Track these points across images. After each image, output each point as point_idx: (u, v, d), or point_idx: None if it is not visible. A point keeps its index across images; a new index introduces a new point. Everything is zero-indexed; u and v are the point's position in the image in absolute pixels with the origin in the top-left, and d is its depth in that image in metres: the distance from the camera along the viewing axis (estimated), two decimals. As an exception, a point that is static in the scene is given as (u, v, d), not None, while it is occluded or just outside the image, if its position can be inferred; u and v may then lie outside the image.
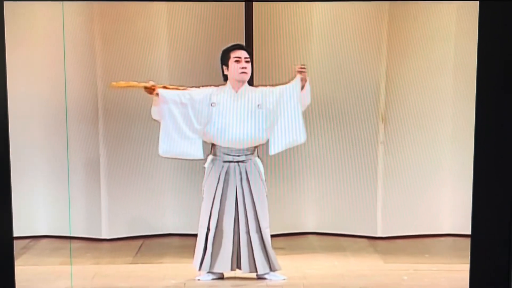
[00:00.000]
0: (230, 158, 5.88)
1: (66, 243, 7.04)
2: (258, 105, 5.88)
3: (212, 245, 5.89)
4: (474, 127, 4.04)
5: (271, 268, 5.93)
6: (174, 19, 7.26)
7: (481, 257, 4.07)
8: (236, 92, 5.89)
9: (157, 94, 5.91)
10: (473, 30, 4.23)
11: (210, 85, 6.00)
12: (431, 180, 7.40)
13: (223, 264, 5.88)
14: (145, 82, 6.04)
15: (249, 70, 5.91)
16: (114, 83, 6.24)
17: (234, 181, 5.87)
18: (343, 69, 7.34)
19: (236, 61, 5.88)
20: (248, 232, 5.88)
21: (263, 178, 5.97)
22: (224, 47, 5.99)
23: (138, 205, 7.40)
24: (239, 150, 5.89)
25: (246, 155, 5.90)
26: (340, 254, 6.85)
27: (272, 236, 6.84)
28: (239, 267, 5.92)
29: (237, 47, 5.96)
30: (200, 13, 7.20)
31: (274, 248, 6.24)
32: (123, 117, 7.29)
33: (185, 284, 5.85)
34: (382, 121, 7.31)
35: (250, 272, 5.91)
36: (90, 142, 7.31)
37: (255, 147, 5.97)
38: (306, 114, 7.40)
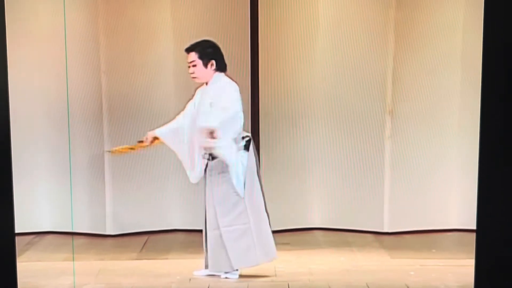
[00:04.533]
0: (206, 156, 5.80)
1: (70, 239, 7.04)
2: (210, 103, 5.72)
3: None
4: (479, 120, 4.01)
5: (230, 268, 5.78)
6: (179, 13, 7.24)
7: (486, 252, 4.03)
8: (206, 86, 5.82)
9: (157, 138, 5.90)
10: (481, 22, 4.18)
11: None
12: (438, 175, 7.36)
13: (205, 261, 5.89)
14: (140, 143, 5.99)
15: (197, 73, 5.74)
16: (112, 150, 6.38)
17: (204, 178, 5.81)
18: (350, 63, 7.31)
19: (188, 66, 5.80)
20: (206, 230, 5.81)
21: (230, 175, 5.70)
22: None
23: (143, 201, 7.39)
24: (204, 149, 5.77)
25: (210, 153, 5.75)
26: (346, 250, 6.82)
27: (277, 231, 6.82)
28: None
29: (186, 50, 5.78)
30: (205, 5, 7.17)
31: (279, 243, 6.21)
32: (128, 112, 7.27)
33: (190, 280, 5.82)
34: (389, 115, 7.27)
35: (207, 269, 5.85)
36: (95, 138, 7.30)
37: None
38: (312, 108, 7.40)
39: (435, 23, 7.19)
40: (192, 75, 5.79)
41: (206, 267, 5.87)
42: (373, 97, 7.30)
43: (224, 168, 5.72)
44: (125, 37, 7.22)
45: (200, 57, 5.74)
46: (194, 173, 5.85)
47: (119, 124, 7.28)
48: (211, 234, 5.76)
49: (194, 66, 5.75)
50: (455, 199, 7.36)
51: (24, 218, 6.83)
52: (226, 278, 5.77)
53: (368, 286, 5.59)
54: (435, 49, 7.21)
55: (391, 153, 7.33)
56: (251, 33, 7.16)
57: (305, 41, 7.31)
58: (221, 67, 5.78)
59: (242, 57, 7.09)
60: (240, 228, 5.73)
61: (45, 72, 7.22)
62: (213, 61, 5.74)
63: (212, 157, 5.73)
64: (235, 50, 6.93)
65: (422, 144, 7.33)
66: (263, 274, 5.86)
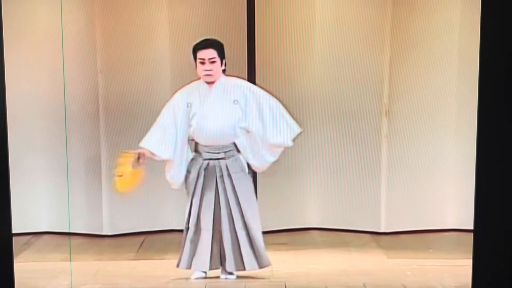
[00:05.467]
0: (209, 155, 5.72)
1: (67, 239, 7.03)
2: (234, 101, 5.70)
3: (190, 243, 5.73)
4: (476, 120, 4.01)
5: (259, 265, 5.75)
6: (176, 12, 7.23)
7: (483, 252, 4.04)
8: (210, 87, 5.71)
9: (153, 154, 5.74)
10: (477, 22, 4.19)
11: (188, 84, 5.84)
12: (435, 175, 7.36)
13: (201, 263, 5.73)
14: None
15: (215, 71, 5.65)
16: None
17: (214, 178, 5.71)
18: (346, 63, 7.31)
19: (201, 62, 5.65)
20: (234, 230, 5.71)
21: (248, 175, 5.78)
22: (194, 43, 5.72)
23: (140, 201, 7.38)
24: (219, 147, 5.71)
25: (225, 152, 5.72)
26: (344, 250, 6.82)
27: (274, 231, 6.83)
28: (223, 265, 5.76)
29: (202, 46, 5.66)
30: (201, 5, 7.16)
31: (277, 244, 6.22)
32: (124, 112, 7.27)
33: (187, 280, 5.81)
34: (386, 115, 7.28)
35: (237, 270, 5.75)
36: (91, 138, 7.29)
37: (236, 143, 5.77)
38: (309, 108, 7.40)
39: (432, 23, 7.19)
40: (209, 72, 5.63)
41: (212, 267, 5.78)
42: (370, 97, 7.30)
43: (242, 167, 5.74)
44: (122, 37, 7.21)
45: (219, 55, 5.66)
46: (180, 177, 5.80)
47: (116, 124, 7.28)
48: (239, 233, 5.69)
49: (213, 62, 5.63)
50: (452, 199, 7.36)
51: (21, 219, 6.82)
52: (226, 278, 5.76)
53: (365, 286, 5.59)
54: (432, 49, 7.21)
55: (388, 153, 7.33)
56: (247, 34, 7.15)
57: (302, 42, 7.31)
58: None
59: (239, 58, 7.08)
60: (259, 227, 5.77)
61: (42, 72, 7.21)
62: (225, 60, 5.73)
63: (228, 155, 5.73)
64: (232, 51, 6.89)
65: (419, 144, 7.32)
66: (260, 275, 5.85)
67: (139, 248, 6.96)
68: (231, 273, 5.78)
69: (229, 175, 5.71)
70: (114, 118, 7.26)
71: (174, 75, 7.20)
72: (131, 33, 7.21)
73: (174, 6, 7.23)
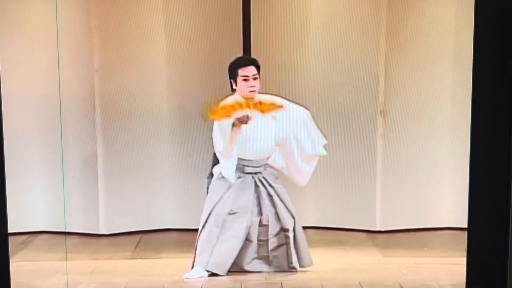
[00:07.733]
0: (250, 169, 5.87)
1: (64, 238, 7.03)
2: (273, 116, 5.86)
3: (214, 244, 5.78)
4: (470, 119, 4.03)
5: (300, 265, 6.00)
6: (171, 13, 7.24)
7: (478, 250, 4.05)
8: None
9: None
10: (472, 21, 4.20)
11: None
12: (430, 173, 7.37)
13: (221, 266, 5.78)
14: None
15: (257, 87, 5.87)
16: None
17: (251, 189, 5.85)
18: (342, 62, 7.31)
19: (244, 79, 5.83)
20: (293, 230, 5.93)
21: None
22: (232, 61, 5.93)
23: (136, 200, 7.39)
24: (259, 161, 5.89)
25: (264, 165, 5.92)
26: (339, 248, 6.83)
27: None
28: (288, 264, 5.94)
29: (245, 63, 5.88)
30: (197, 5, 7.17)
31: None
32: (120, 111, 7.27)
33: (184, 279, 5.82)
34: (381, 114, 7.29)
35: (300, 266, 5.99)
36: (87, 137, 7.29)
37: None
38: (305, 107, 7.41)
39: (427, 22, 7.20)
40: (253, 88, 5.83)
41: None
42: (365, 96, 7.31)
43: (275, 176, 6.00)
44: (118, 35, 7.21)
45: (259, 72, 5.89)
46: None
47: (112, 123, 7.28)
48: (289, 235, 5.92)
49: (255, 79, 5.84)
50: (447, 198, 7.38)
51: (18, 218, 6.83)
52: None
53: (361, 285, 5.60)
54: (427, 48, 7.22)
55: (383, 151, 7.34)
56: (243, 34, 7.16)
57: (297, 42, 7.32)
58: None
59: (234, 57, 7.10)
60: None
61: (37, 71, 7.21)
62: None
63: (264, 168, 5.94)
64: (228, 51, 6.93)
65: (414, 142, 7.34)
66: (257, 274, 5.86)
67: (135, 247, 6.97)
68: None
69: (270, 186, 5.91)
70: (110, 117, 7.27)
71: (170, 73, 7.21)
72: (127, 31, 7.22)
73: (169, 5, 7.23)
